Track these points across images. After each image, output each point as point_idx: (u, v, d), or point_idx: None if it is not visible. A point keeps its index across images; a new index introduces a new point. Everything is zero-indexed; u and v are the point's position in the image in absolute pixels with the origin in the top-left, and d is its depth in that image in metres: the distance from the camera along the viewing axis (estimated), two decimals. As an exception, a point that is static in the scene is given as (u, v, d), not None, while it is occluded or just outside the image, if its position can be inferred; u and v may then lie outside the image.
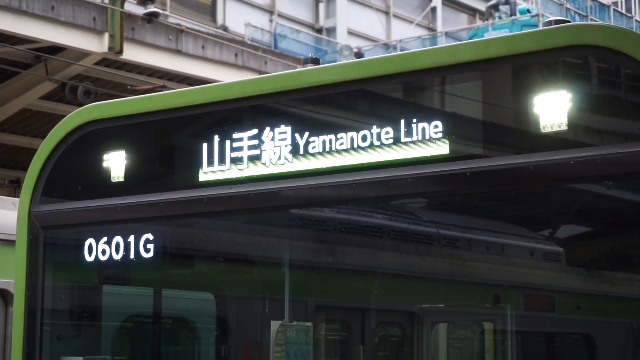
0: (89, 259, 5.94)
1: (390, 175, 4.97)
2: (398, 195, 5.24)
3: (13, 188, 21.72)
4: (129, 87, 18.97)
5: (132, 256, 5.85)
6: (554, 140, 4.63)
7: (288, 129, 5.31)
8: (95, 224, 5.96)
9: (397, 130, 4.99)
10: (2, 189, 21.28)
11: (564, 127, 4.60)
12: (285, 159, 5.31)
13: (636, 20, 34.29)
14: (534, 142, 4.71)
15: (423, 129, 4.91)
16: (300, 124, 5.29)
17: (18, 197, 6.49)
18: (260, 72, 21.25)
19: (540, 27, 4.85)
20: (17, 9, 17.19)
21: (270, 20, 29.05)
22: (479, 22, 34.34)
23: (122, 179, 5.84)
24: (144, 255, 5.82)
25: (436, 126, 4.89)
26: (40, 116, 20.47)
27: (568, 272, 7.75)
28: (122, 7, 18.55)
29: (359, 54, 28.56)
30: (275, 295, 7.25)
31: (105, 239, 5.90)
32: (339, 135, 5.13)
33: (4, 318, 8.81)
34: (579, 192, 5.49)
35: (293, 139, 5.29)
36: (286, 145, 5.31)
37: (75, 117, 6.07)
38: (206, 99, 5.65)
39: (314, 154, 5.21)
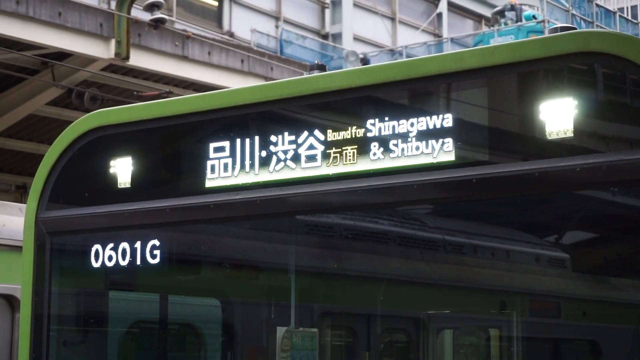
0: (96, 264, 5.96)
1: (396, 182, 4.98)
2: (404, 201, 5.24)
3: (20, 194, 21.75)
4: (135, 93, 18.99)
5: (138, 262, 5.86)
6: (560, 147, 4.63)
7: (294, 135, 5.32)
8: (101, 230, 5.98)
9: (402, 136, 5.00)
10: (9, 195, 21.31)
11: (570, 134, 4.61)
12: (292, 165, 5.32)
13: (642, 27, 34.26)
14: (540, 148, 4.72)
15: (429, 136, 4.92)
16: (307, 131, 5.30)
17: (25, 203, 6.50)
18: (266, 78, 21.26)
19: (546, 34, 4.86)
20: (24, 15, 17.23)
21: (276, 26, 29.07)
22: (484, 28, 34.33)
23: (128, 185, 5.85)
24: (150, 261, 5.83)
25: (442, 133, 4.89)
26: (46, 122, 20.50)
27: (574, 278, 7.75)
28: (128, 13, 18.58)
29: (364, 60, 28.57)
30: (281, 301, 7.26)
31: (111, 245, 5.91)
32: (345, 142, 5.14)
33: (10, 324, 8.82)
34: (584, 198, 5.49)
35: (299, 145, 5.30)
36: (292, 152, 5.32)
37: (82, 123, 6.09)
38: (212, 106, 5.67)
39: (319, 161, 5.22)
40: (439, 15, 35.07)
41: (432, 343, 7.87)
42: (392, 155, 5.02)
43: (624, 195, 5.15)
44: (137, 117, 5.95)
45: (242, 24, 27.60)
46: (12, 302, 8.79)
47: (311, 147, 5.26)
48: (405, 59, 5.40)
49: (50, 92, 19.17)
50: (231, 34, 26.86)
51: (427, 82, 5.03)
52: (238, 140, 5.49)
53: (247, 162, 5.44)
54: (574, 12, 29.92)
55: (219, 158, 5.53)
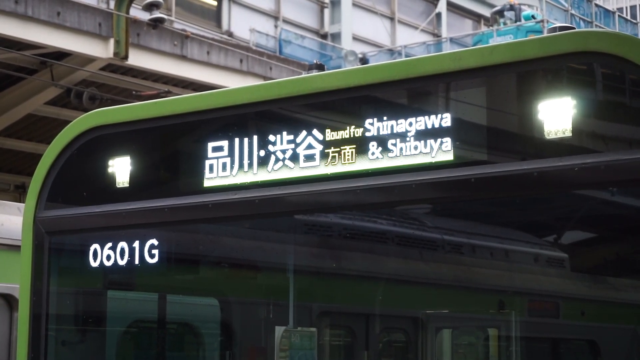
0: (94, 264, 5.95)
1: (395, 182, 4.98)
2: (402, 201, 5.24)
3: (18, 193, 21.74)
4: (134, 92, 18.99)
5: (136, 262, 5.85)
6: (559, 147, 4.63)
7: (293, 134, 5.32)
8: (100, 230, 5.97)
9: (401, 136, 4.99)
10: (8, 195, 21.30)
11: (569, 134, 4.61)
12: (290, 164, 5.31)
13: (641, 26, 34.26)
14: (539, 148, 4.72)
15: (427, 135, 4.92)
16: (305, 130, 5.30)
17: (23, 202, 6.50)
18: (265, 78, 21.25)
19: (545, 34, 4.85)
20: (22, 15, 17.22)
21: (275, 26, 29.06)
22: (483, 28, 34.32)
23: (127, 185, 5.85)
24: (149, 260, 5.83)
25: (440, 132, 4.89)
26: (45, 122, 20.49)
27: (572, 278, 7.75)
28: (127, 12, 18.58)
29: (363, 60, 28.55)
30: (279, 301, 7.26)
31: (110, 244, 5.91)
32: (344, 141, 5.14)
33: (9, 323, 8.82)
34: (583, 198, 5.49)
35: (298, 145, 5.29)
36: (291, 151, 5.32)
37: (81, 122, 6.08)
38: (211, 105, 5.66)
39: (318, 160, 5.22)
40: (438, 15, 35.05)
41: (430, 343, 7.87)
42: (390, 154, 5.01)
43: (622, 195, 5.15)
44: (135, 116, 5.95)
45: (241, 24, 27.58)
46: (10, 301, 8.80)
47: (309, 146, 5.26)
48: (404, 59, 5.39)
49: (49, 92, 19.17)
50: (230, 34, 26.85)
51: (425, 81, 5.03)
52: (236, 140, 5.48)
53: (246, 162, 5.44)
54: (573, 12, 29.92)
55: (217, 157, 5.53)
